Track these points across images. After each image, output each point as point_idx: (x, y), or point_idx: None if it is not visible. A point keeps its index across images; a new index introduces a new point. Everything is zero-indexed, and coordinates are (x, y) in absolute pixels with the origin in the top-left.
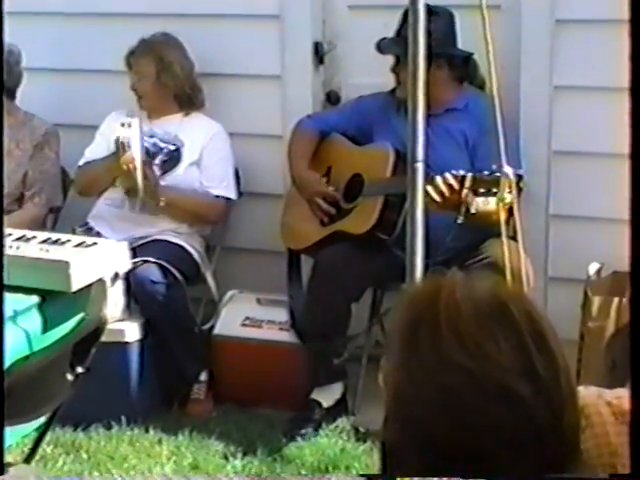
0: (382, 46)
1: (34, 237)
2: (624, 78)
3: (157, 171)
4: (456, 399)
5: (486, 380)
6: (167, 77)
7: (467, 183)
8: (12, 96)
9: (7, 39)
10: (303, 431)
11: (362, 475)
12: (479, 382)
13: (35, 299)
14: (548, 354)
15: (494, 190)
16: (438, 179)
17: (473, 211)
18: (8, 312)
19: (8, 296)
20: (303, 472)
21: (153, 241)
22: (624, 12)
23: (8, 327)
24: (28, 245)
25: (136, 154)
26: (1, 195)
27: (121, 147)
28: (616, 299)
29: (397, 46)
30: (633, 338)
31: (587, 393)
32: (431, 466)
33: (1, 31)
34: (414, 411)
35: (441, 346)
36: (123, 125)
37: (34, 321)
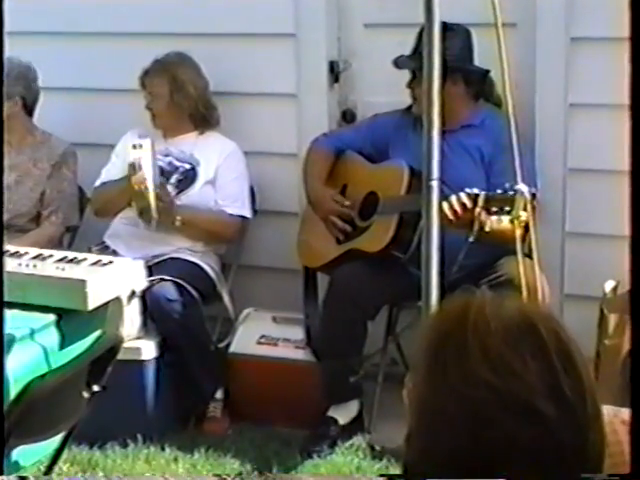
0: (399, 62)
1: (50, 256)
2: None
3: (172, 190)
4: (480, 415)
5: (511, 397)
6: (180, 97)
7: (480, 202)
8: (30, 114)
9: (24, 58)
10: (318, 448)
11: (382, 475)
12: (504, 399)
13: (52, 317)
14: (575, 375)
15: (507, 208)
16: (452, 198)
17: (487, 230)
18: (25, 330)
19: (25, 314)
20: None
21: (169, 259)
22: None
23: (26, 344)
24: (45, 264)
25: (147, 174)
26: (1, 211)
27: (131, 168)
28: None
29: (413, 61)
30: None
31: (603, 412)
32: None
33: (1, 34)
34: (438, 426)
35: (468, 362)
36: (135, 147)
37: (51, 339)
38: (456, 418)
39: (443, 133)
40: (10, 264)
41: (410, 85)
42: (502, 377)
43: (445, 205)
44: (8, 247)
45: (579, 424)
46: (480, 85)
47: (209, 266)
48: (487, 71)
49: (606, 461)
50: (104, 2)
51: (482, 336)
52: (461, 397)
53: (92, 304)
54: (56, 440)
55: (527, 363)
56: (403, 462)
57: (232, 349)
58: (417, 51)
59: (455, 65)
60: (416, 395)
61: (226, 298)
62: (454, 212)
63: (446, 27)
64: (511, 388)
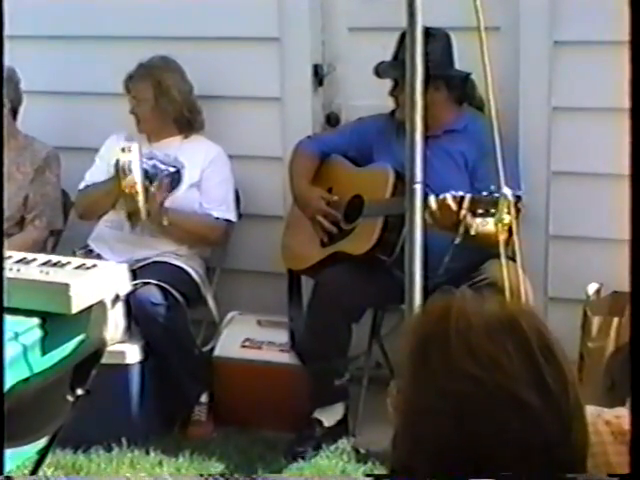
0: (380, 70)
1: (34, 260)
2: (622, 99)
3: (160, 192)
4: (466, 408)
5: (497, 389)
6: (165, 101)
7: (465, 204)
8: (13, 117)
9: (7, 62)
10: (303, 449)
11: (368, 475)
12: (490, 391)
13: (35, 321)
14: (557, 368)
15: (492, 211)
16: (433, 198)
17: (473, 233)
18: (8, 334)
19: (9, 318)
20: None
21: (153, 263)
22: (622, 33)
23: (9, 346)
24: (28, 268)
25: (137, 178)
26: (1, 217)
27: (121, 171)
28: (615, 319)
29: (395, 70)
30: (633, 349)
31: (586, 411)
32: (442, 476)
33: (1, 36)
34: (425, 424)
35: (452, 358)
36: (123, 150)
37: (35, 343)
38: (443, 414)
39: (426, 139)
40: None
41: (393, 93)
42: (486, 370)
43: (429, 206)
44: None
45: (563, 414)
46: (462, 89)
47: (194, 270)
48: (468, 74)
49: (589, 461)
50: (88, 5)
51: (464, 332)
52: (447, 393)
53: (76, 308)
54: (39, 444)
55: (510, 355)
56: (390, 465)
57: (216, 353)
58: (398, 57)
59: (437, 71)
60: (402, 396)
61: (210, 302)
62: (437, 212)
63: (427, 32)
64: (495, 379)
